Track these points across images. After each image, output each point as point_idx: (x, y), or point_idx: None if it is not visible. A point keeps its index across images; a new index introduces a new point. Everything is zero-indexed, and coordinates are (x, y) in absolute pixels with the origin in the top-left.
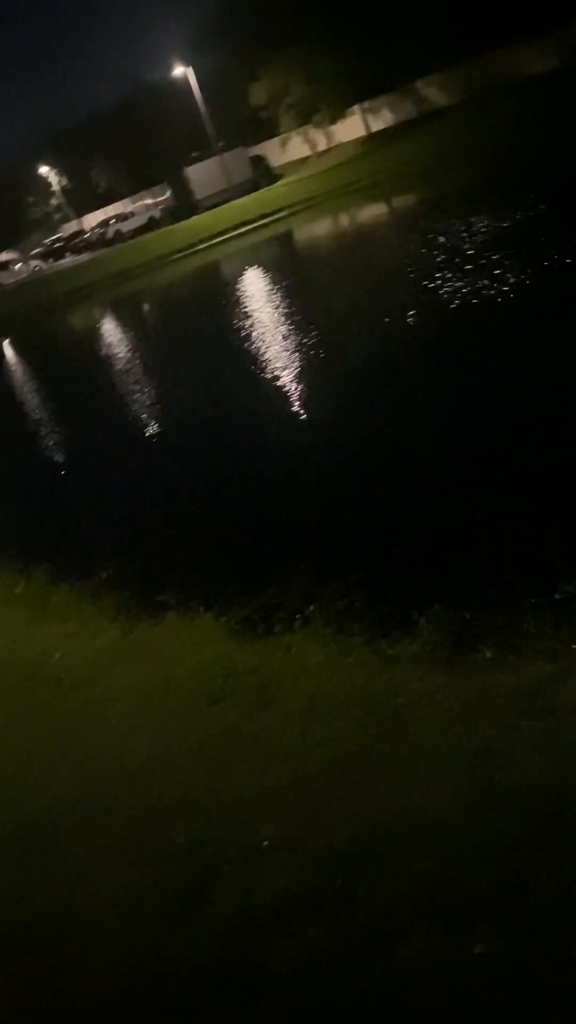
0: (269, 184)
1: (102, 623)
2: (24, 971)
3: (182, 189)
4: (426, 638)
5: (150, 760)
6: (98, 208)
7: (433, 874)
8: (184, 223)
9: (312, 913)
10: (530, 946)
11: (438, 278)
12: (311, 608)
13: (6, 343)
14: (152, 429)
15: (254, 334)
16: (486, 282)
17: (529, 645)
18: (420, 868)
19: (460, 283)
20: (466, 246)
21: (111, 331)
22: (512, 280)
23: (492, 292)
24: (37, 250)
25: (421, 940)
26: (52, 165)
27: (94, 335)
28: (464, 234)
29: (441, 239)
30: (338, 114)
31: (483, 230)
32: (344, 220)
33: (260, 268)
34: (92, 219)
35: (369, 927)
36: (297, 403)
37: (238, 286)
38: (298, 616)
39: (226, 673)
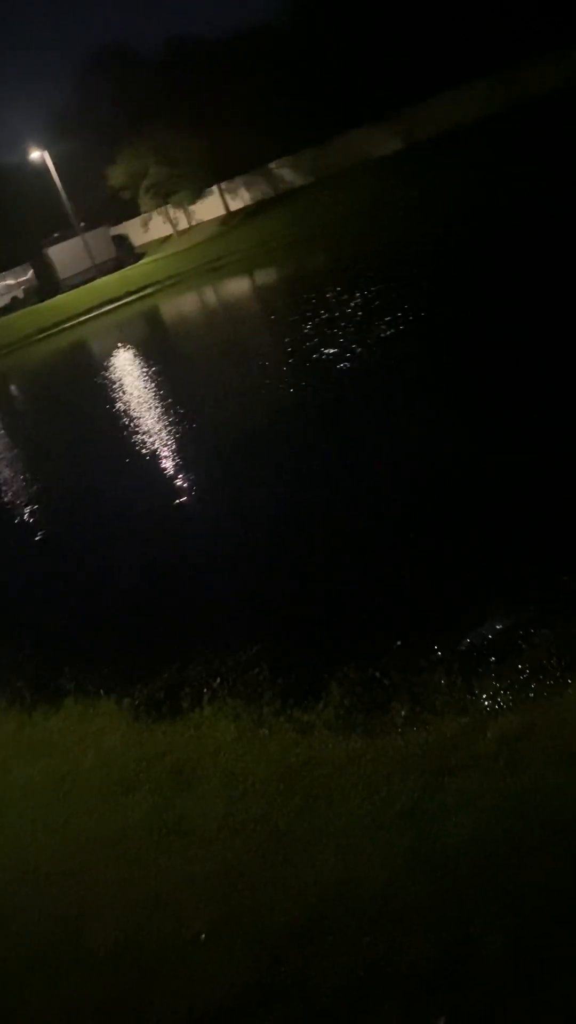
0: (133, 263)
1: None
2: None
3: (45, 269)
4: (338, 702)
5: (66, 859)
6: None
7: (381, 946)
8: (49, 302)
9: (264, 1002)
10: (485, 1012)
11: (297, 351)
12: (217, 682)
13: None
14: (28, 516)
15: (123, 410)
16: (334, 352)
17: (440, 699)
18: (367, 941)
19: (314, 355)
20: (317, 321)
21: None
22: (357, 352)
23: (336, 361)
24: None
25: (381, 1017)
26: None
27: None
28: (316, 310)
29: (296, 315)
30: (197, 194)
31: (333, 306)
32: (208, 296)
33: (127, 344)
34: None
35: (326, 1009)
36: (175, 480)
37: (107, 361)
38: (205, 691)
39: (137, 758)
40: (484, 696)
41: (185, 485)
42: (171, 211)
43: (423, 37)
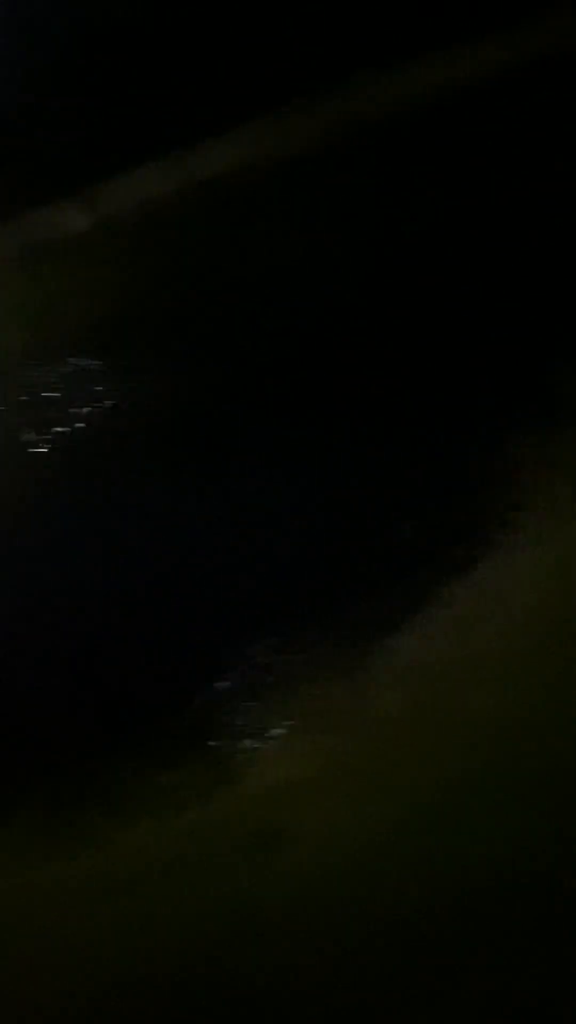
0: None
1: None
2: None
3: None
4: (29, 821)
5: None
6: None
7: None
8: None
9: None
10: None
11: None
12: None
13: None
14: None
15: None
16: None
17: (127, 804)
18: None
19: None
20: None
21: None
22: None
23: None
24: None
25: None
26: None
27: None
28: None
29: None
30: None
31: (23, 386)
32: None
33: None
34: None
35: None
36: None
37: None
38: None
39: None
40: (173, 789)
41: None
42: None
43: (111, 111)
